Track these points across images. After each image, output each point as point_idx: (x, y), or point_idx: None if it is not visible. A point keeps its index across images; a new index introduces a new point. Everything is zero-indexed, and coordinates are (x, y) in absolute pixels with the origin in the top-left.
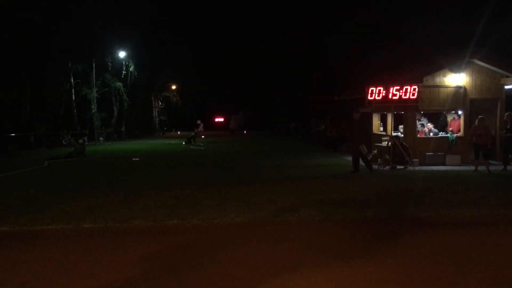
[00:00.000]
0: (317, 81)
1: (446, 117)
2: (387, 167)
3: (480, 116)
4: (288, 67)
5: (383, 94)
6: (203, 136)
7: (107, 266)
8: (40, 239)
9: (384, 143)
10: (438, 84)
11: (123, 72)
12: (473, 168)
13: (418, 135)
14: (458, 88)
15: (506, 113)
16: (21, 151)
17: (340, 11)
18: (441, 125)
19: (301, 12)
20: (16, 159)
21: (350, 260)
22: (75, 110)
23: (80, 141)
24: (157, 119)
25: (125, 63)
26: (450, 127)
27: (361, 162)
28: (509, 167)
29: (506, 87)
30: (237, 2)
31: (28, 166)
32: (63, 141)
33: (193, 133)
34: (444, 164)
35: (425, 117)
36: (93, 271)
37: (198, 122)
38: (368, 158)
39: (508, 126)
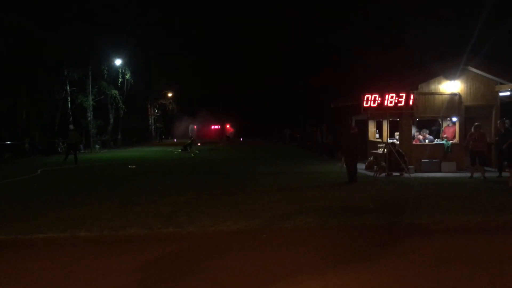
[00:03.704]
0: (313, 88)
1: (440, 124)
2: (383, 174)
3: (476, 123)
4: (284, 74)
5: (379, 101)
6: (199, 144)
7: (102, 274)
8: (35, 247)
9: (380, 150)
10: (433, 91)
11: (119, 79)
12: (468, 175)
13: (414, 142)
14: (453, 95)
15: (499, 120)
16: (16, 159)
17: (336, 18)
18: (436, 132)
19: (297, 18)
20: (11, 167)
21: (347, 267)
22: (71, 118)
23: (71, 126)
24: (153, 127)
25: (121, 70)
26: (445, 134)
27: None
28: (504, 174)
29: (501, 94)
30: (233, 9)
31: (23, 174)
32: (59, 149)
33: (189, 141)
34: (440, 171)
35: (414, 125)
36: (89, 280)
37: (194, 127)
38: (352, 168)
39: (503, 132)
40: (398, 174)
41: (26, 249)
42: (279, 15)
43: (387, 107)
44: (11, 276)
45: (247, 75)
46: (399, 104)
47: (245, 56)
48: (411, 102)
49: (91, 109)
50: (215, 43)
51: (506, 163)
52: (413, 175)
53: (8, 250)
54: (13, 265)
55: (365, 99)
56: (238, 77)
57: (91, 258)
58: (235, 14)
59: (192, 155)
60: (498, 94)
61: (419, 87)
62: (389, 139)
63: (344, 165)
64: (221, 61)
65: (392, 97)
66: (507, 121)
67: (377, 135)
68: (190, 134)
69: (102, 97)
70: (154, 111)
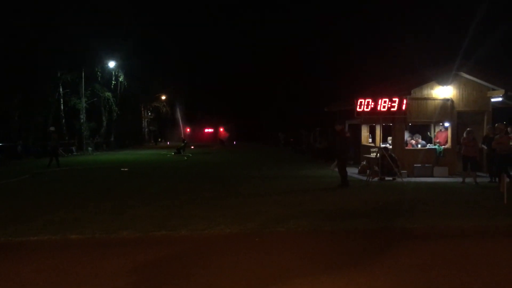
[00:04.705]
0: (307, 92)
1: (429, 130)
2: (376, 179)
3: (468, 129)
4: (279, 78)
5: (372, 106)
6: (192, 147)
7: (94, 277)
8: (27, 250)
9: (373, 155)
10: (426, 96)
11: (113, 82)
12: (460, 179)
13: (407, 147)
14: (446, 100)
15: (488, 126)
16: (8, 161)
17: (329, 24)
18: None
19: (290, 23)
20: (3, 169)
21: (340, 271)
22: (63, 120)
23: (52, 128)
24: (146, 130)
25: (115, 73)
26: (437, 139)
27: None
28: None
29: (493, 100)
30: (227, 14)
31: (14, 176)
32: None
33: (182, 144)
34: (432, 176)
35: (407, 130)
36: (80, 282)
37: (187, 130)
38: (345, 173)
39: (492, 137)
40: (390, 178)
41: (18, 251)
42: (276, 19)
43: (380, 111)
44: (2, 279)
45: (242, 78)
46: (392, 109)
47: (240, 60)
48: (404, 107)
49: (84, 111)
50: (209, 46)
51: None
52: (406, 179)
53: None
54: (4, 268)
55: (359, 103)
56: (233, 81)
57: (83, 260)
58: (232, 17)
59: (186, 158)
60: (490, 100)
61: (412, 92)
62: (382, 144)
63: (336, 169)
64: (216, 64)
65: (385, 102)
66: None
67: (370, 140)
68: (183, 137)
69: (95, 99)
70: (147, 113)
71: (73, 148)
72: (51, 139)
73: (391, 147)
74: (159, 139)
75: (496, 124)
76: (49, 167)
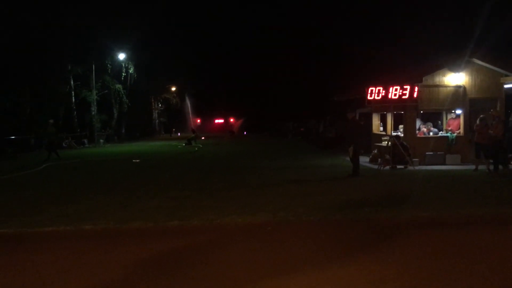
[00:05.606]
0: (316, 81)
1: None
2: (387, 167)
3: (481, 116)
4: (287, 68)
5: (383, 94)
6: (203, 138)
7: (107, 267)
8: (41, 240)
9: (384, 143)
10: (437, 83)
11: (123, 74)
12: (473, 167)
13: (418, 135)
14: (458, 87)
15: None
16: (20, 153)
17: (338, 11)
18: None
19: (299, 11)
20: (15, 162)
21: (350, 259)
22: (75, 112)
23: (51, 121)
24: (156, 121)
25: (125, 65)
26: (449, 126)
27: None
28: (509, 166)
29: (506, 86)
30: (233, 5)
31: (28, 168)
32: (63, 144)
33: (193, 135)
34: (444, 164)
35: (418, 117)
36: (94, 272)
37: (198, 120)
38: (358, 162)
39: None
40: (402, 167)
41: (31, 242)
42: (282, 7)
43: (391, 99)
44: (16, 269)
45: (251, 69)
46: (404, 97)
47: (249, 51)
48: (415, 95)
49: (95, 103)
50: (218, 37)
51: (510, 155)
52: (417, 168)
53: (13, 243)
54: (18, 258)
55: (369, 92)
56: (243, 72)
57: (95, 250)
58: (238, 10)
59: (196, 149)
60: (503, 86)
61: (423, 79)
62: (393, 132)
63: (348, 158)
64: (226, 55)
65: (396, 90)
66: None
67: (381, 128)
68: (193, 128)
69: (106, 91)
70: (157, 105)
71: (85, 140)
72: (48, 132)
73: (402, 135)
74: (173, 130)
75: (491, 110)
76: (59, 158)
